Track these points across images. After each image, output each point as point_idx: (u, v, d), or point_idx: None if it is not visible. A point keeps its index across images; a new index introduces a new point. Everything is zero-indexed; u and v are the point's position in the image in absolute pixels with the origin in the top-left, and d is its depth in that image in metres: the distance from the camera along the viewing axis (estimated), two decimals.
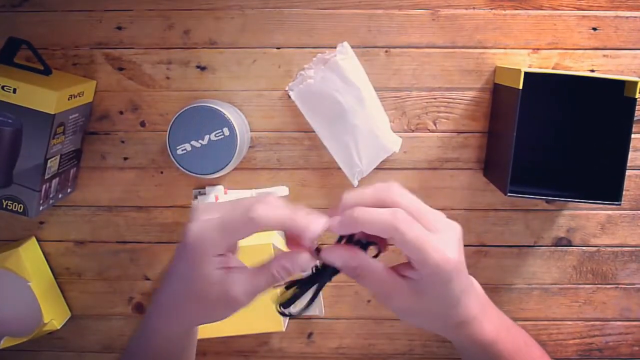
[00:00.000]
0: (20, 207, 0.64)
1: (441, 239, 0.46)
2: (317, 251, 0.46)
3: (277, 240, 0.73)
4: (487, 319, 0.55)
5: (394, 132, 0.72)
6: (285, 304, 0.53)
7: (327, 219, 0.43)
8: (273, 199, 0.43)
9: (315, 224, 0.42)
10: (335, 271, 0.48)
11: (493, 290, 0.76)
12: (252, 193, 0.74)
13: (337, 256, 0.46)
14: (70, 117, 0.66)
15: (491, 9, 0.70)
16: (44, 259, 0.76)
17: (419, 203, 0.48)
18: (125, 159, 0.74)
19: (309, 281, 0.51)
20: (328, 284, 0.64)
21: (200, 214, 0.43)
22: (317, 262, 0.47)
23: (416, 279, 0.47)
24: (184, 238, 0.43)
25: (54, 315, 0.73)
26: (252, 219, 0.41)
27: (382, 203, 0.46)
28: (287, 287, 0.51)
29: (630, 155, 0.65)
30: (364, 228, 0.44)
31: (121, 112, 0.73)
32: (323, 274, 0.49)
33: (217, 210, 0.43)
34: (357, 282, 0.47)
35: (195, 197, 0.73)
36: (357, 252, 0.47)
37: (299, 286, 0.50)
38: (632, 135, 0.63)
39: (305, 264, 0.44)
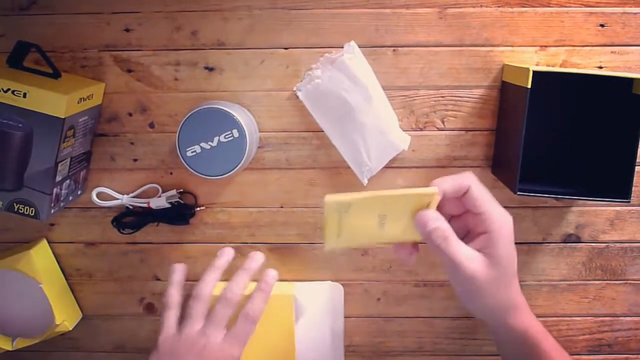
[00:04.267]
0: (32, 210, 0.64)
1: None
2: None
3: (299, 290, 0.74)
4: (530, 313, 0.59)
5: (403, 130, 0.72)
6: (120, 223, 0.74)
7: None
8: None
9: None
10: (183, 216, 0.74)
11: None
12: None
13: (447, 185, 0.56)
14: (80, 120, 0.66)
15: (498, 6, 0.69)
16: (55, 260, 0.76)
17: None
18: (135, 160, 0.74)
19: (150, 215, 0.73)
20: (329, 280, 0.70)
21: None
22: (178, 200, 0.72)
23: (486, 244, 0.55)
24: None
25: (65, 317, 0.74)
26: None
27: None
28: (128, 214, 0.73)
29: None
30: (447, 186, 0.55)
31: (130, 114, 0.73)
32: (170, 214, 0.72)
33: None
34: (435, 249, 0.54)
35: None
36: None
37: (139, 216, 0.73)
38: None
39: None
